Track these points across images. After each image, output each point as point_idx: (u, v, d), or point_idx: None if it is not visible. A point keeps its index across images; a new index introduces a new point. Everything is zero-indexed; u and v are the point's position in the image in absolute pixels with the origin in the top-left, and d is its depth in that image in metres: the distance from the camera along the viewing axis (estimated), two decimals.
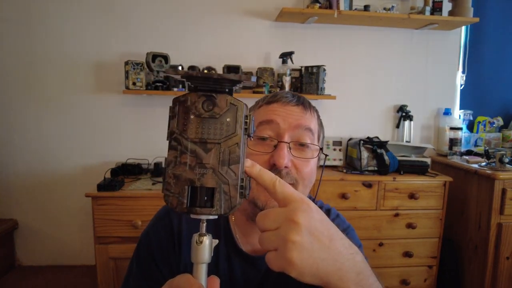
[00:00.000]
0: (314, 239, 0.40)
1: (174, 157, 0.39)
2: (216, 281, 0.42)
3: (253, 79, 0.40)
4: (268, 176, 0.43)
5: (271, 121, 0.68)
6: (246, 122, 0.40)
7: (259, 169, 0.43)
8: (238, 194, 0.39)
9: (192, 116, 0.39)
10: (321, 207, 0.81)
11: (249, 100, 0.85)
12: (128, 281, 0.72)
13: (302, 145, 0.69)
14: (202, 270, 0.40)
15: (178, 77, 0.41)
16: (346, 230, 0.78)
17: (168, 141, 0.39)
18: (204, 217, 0.39)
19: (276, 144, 0.67)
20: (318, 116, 0.76)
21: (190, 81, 0.40)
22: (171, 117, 0.39)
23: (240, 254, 0.72)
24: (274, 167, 0.65)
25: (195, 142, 0.39)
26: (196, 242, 0.40)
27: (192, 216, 0.39)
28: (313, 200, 0.83)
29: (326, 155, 0.75)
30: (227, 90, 0.40)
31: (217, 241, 0.42)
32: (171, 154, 0.39)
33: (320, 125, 0.76)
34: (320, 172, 0.78)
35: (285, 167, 0.65)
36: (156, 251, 0.71)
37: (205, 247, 0.40)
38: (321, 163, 0.76)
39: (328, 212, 0.81)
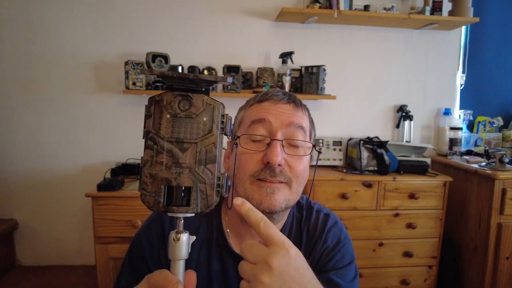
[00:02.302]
0: (284, 284, 0.42)
1: (150, 157, 0.39)
2: (193, 275, 0.43)
3: (229, 80, 0.40)
4: (255, 216, 0.45)
5: (263, 120, 0.68)
6: (222, 122, 0.40)
7: (247, 208, 0.45)
8: (214, 192, 0.39)
9: (168, 116, 0.39)
10: (319, 211, 0.81)
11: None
12: (120, 281, 0.73)
13: (295, 143, 0.69)
14: (179, 266, 0.41)
15: (153, 76, 0.41)
16: (342, 242, 0.77)
17: (144, 140, 0.39)
18: (181, 215, 0.40)
19: (269, 142, 0.67)
20: (309, 114, 0.76)
21: (166, 81, 0.40)
22: (146, 116, 0.40)
23: (233, 255, 0.73)
24: (267, 165, 0.65)
25: (171, 142, 0.39)
26: (174, 240, 0.41)
27: (169, 214, 0.40)
28: (310, 202, 0.83)
29: (319, 152, 0.75)
30: (203, 89, 0.40)
31: (194, 237, 0.43)
32: (147, 153, 0.39)
33: (311, 122, 0.76)
34: (313, 170, 0.78)
35: (279, 165, 0.65)
36: (147, 252, 0.72)
37: (182, 244, 0.41)
38: (314, 160, 0.76)
39: (326, 217, 0.80)
